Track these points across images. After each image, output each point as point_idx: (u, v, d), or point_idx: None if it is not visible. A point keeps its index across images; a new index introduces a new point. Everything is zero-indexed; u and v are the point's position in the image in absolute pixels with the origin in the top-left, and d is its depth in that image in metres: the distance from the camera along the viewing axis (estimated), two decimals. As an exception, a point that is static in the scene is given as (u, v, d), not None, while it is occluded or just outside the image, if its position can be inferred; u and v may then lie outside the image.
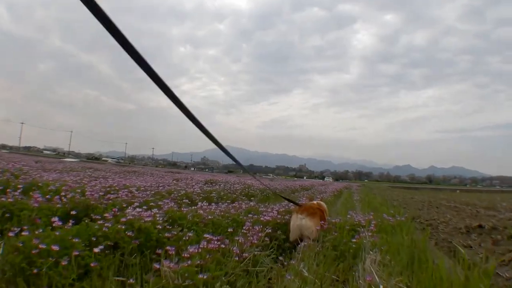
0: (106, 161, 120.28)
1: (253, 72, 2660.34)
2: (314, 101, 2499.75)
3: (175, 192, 9.01)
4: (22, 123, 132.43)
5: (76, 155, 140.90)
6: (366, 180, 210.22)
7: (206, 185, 14.58)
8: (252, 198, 11.72)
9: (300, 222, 5.44)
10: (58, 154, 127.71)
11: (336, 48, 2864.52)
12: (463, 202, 20.53)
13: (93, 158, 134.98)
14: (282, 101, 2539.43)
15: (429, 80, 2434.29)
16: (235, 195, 11.76)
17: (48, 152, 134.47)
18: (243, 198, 11.69)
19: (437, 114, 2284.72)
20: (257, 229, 4.90)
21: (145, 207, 5.51)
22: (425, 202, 19.19)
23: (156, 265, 3.14)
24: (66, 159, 51.08)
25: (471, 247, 6.74)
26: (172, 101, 2.17)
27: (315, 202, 6.76)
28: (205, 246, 3.67)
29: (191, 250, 3.47)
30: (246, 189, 14.25)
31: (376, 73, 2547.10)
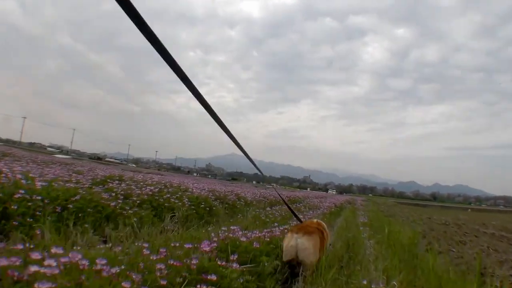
0: (110, 161, 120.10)
1: (263, 80, 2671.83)
2: (322, 113, 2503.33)
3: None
4: (24, 117, 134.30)
5: (80, 154, 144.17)
6: (370, 195, 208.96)
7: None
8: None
9: (295, 242, 4.71)
10: (62, 151, 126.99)
11: (346, 60, 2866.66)
12: (503, 227, 17.97)
13: (96, 158, 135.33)
14: (290, 111, 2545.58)
15: (438, 96, 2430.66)
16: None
17: (52, 149, 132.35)
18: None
19: (445, 131, 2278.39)
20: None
21: None
22: (453, 226, 16.42)
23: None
24: (57, 155, 54.54)
25: None
26: (199, 101, 2.14)
27: (314, 220, 6.05)
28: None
29: None
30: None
31: (386, 87, 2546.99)
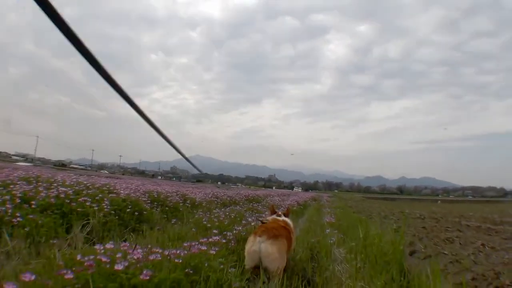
0: (74, 168, 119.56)
1: (225, 80, 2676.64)
2: (285, 111, 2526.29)
3: None
4: None
5: (45, 162, 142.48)
6: (336, 191, 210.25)
7: None
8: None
9: (257, 247, 4.17)
10: (27, 160, 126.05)
11: (309, 58, 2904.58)
12: (485, 218, 16.20)
13: (60, 165, 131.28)
14: (252, 110, 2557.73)
15: (402, 91, 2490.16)
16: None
17: (17, 157, 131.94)
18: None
19: (410, 125, 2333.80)
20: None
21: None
22: (430, 220, 14.34)
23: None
24: (20, 163, 54.50)
25: None
26: (132, 107, 2.01)
27: (280, 218, 5.41)
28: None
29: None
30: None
31: (349, 84, 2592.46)
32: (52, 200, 6.52)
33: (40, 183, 8.37)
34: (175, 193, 12.36)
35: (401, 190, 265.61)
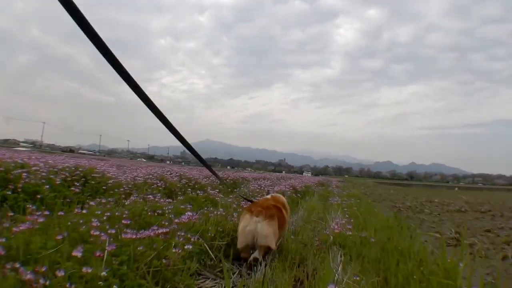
0: (82, 153, 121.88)
1: (234, 65, 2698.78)
2: (294, 95, 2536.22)
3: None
4: None
5: (53, 148, 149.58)
6: (346, 176, 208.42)
7: None
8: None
9: (254, 227, 3.96)
10: (35, 146, 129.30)
11: (318, 42, 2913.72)
12: None
13: (69, 151, 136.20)
14: (262, 95, 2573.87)
15: (411, 77, 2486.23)
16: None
17: (25, 144, 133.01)
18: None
19: (419, 110, 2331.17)
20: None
21: None
22: (481, 214, 11.44)
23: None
24: (18, 148, 53.54)
25: None
26: (137, 94, 1.98)
27: (268, 196, 5.41)
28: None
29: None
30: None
31: (359, 69, 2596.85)
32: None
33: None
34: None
35: (411, 176, 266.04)
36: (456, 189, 60.23)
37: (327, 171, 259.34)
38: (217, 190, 9.53)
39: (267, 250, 4.02)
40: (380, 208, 11.78)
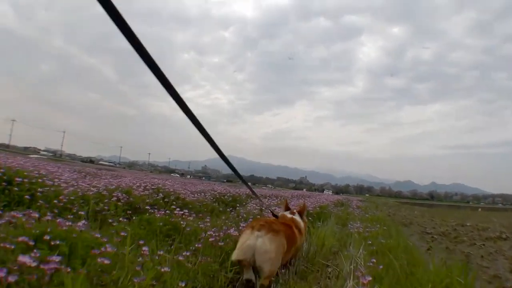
0: (102, 164, 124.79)
1: (258, 81, 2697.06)
2: (318, 113, 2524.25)
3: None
4: (13, 120, 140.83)
5: (73, 157, 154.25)
6: (367, 195, 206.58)
7: None
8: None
9: (253, 242, 3.51)
10: (55, 155, 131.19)
11: (342, 60, 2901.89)
12: None
13: (89, 161, 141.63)
14: (285, 112, 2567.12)
15: (434, 95, 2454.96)
16: None
17: (45, 153, 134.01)
18: None
19: (441, 129, 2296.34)
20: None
21: None
22: None
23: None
24: (31, 156, 52.51)
25: None
26: (178, 105, 1.99)
27: (289, 215, 4.83)
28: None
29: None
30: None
31: (382, 87, 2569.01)
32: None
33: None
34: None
35: (432, 196, 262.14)
36: (480, 209, 58.49)
37: (348, 189, 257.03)
38: (205, 211, 8.90)
39: (268, 274, 3.48)
40: (408, 233, 10.88)
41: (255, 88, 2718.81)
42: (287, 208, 5.34)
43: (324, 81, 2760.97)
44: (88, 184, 8.43)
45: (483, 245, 9.05)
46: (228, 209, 9.45)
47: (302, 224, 4.82)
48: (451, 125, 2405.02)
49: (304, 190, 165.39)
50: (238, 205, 11.38)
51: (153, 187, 10.00)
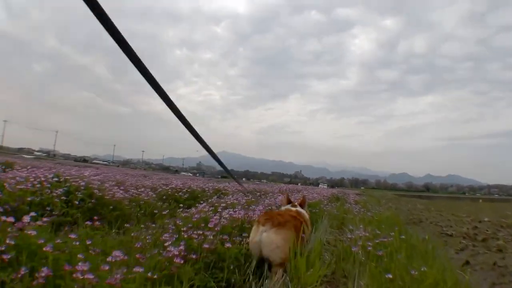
0: (95, 163, 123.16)
1: (250, 76, 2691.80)
2: (311, 107, 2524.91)
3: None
4: (5, 121, 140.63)
5: (66, 157, 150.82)
6: (362, 188, 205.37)
7: None
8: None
9: (258, 238, 3.61)
10: (49, 155, 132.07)
11: (334, 53, 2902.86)
12: None
13: (82, 160, 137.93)
14: (278, 106, 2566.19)
15: (427, 87, 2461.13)
16: None
17: (39, 153, 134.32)
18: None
19: (435, 121, 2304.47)
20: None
21: None
22: None
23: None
24: (25, 156, 57.50)
25: None
26: (166, 103, 2.25)
27: (293, 209, 4.74)
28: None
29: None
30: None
31: (375, 79, 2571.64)
32: None
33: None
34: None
35: (427, 188, 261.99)
36: (481, 201, 57.64)
37: (344, 183, 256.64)
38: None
39: (279, 261, 3.50)
40: (423, 234, 6.69)
41: (247, 83, 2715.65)
42: (289, 201, 5.33)
43: (317, 75, 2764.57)
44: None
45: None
46: (179, 210, 6.88)
47: (307, 215, 4.84)
48: (445, 116, 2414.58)
49: (299, 184, 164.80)
50: (201, 202, 8.73)
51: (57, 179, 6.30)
